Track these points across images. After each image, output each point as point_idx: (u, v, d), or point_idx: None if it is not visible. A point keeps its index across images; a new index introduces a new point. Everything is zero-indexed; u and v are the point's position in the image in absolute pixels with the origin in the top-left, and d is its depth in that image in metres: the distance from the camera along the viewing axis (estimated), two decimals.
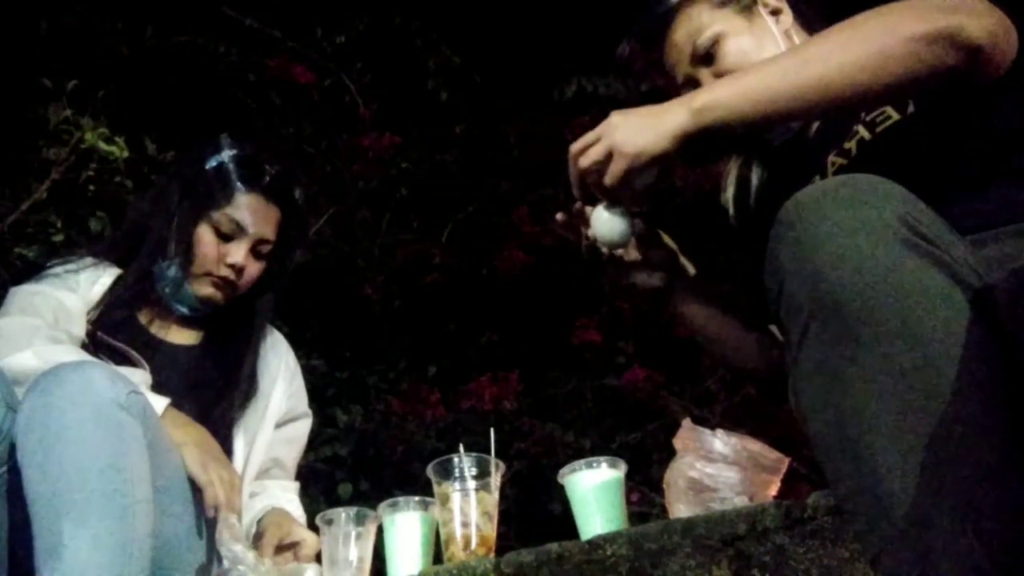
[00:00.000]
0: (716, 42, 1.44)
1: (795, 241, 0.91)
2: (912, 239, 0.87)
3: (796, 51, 1.23)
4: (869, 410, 0.84)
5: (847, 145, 1.34)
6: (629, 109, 1.25)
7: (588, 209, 1.36)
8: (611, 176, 1.24)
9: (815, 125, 1.47)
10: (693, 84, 1.46)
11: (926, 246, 0.87)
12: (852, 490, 0.86)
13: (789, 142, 1.47)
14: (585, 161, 1.26)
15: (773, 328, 1.52)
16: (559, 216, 1.45)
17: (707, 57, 1.44)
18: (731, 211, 1.55)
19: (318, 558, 1.58)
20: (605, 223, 1.33)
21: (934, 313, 0.85)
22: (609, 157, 1.24)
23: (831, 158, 1.37)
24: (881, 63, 1.11)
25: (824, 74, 1.13)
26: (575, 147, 1.28)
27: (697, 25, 1.46)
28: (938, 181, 1.10)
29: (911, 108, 1.28)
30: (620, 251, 1.43)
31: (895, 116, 1.29)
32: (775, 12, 1.47)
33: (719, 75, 1.43)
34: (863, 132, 1.32)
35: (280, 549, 1.64)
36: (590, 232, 1.37)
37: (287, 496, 1.86)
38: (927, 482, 0.81)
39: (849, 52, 1.13)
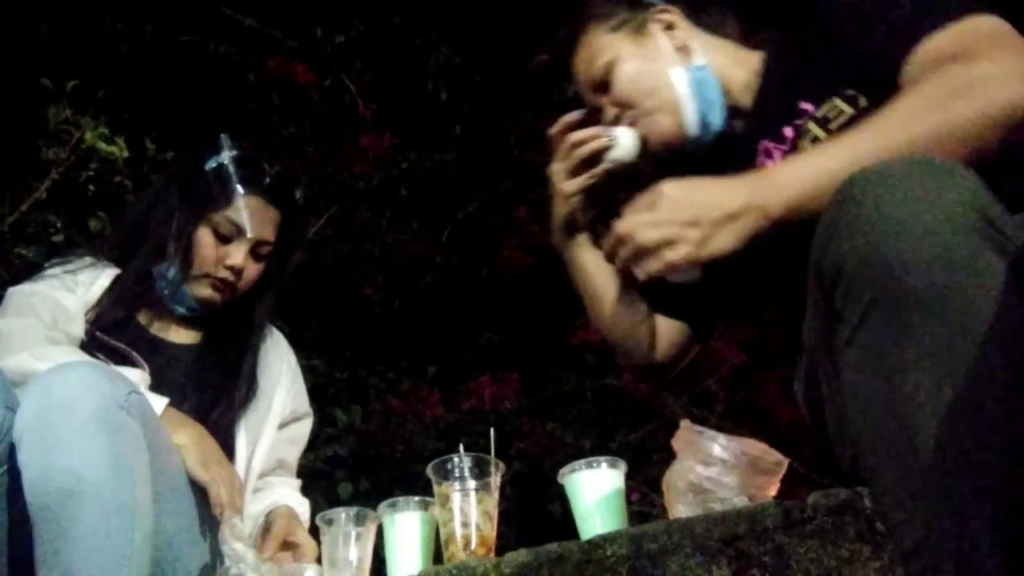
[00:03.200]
0: (609, 69, 1.43)
1: (861, 223, 0.88)
2: (984, 228, 0.85)
3: (874, 138, 1.10)
4: (925, 403, 0.82)
5: (802, 144, 1.32)
6: (687, 187, 1.18)
7: (622, 128, 1.42)
8: (674, 272, 1.20)
9: (741, 125, 1.45)
10: (598, 112, 1.46)
11: (997, 236, 0.86)
12: (896, 481, 0.84)
13: (712, 145, 1.45)
14: (645, 238, 1.17)
15: (663, 318, 1.57)
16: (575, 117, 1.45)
17: (604, 85, 1.44)
18: None
19: (318, 559, 1.58)
20: (633, 143, 1.41)
21: (1006, 309, 0.83)
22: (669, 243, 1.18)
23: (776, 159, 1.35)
24: (973, 149, 1.06)
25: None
26: (625, 230, 1.20)
27: (592, 53, 1.46)
28: None
29: (862, 102, 1.26)
30: (611, 168, 1.44)
31: (848, 110, 1.27)
32: (669, 27, 1.45)
33: (615, 103, 1.43)
34: (816, 131, 1.30)
35: (281, 546, 1.64)
36: (619, 139, 1.41)
37: (297, 498, 1.86)
38: (969, 475, 0.80)
39: (941, 151, 1.04)
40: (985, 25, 1.16)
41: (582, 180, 1.46)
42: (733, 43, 1.48)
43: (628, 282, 1.53)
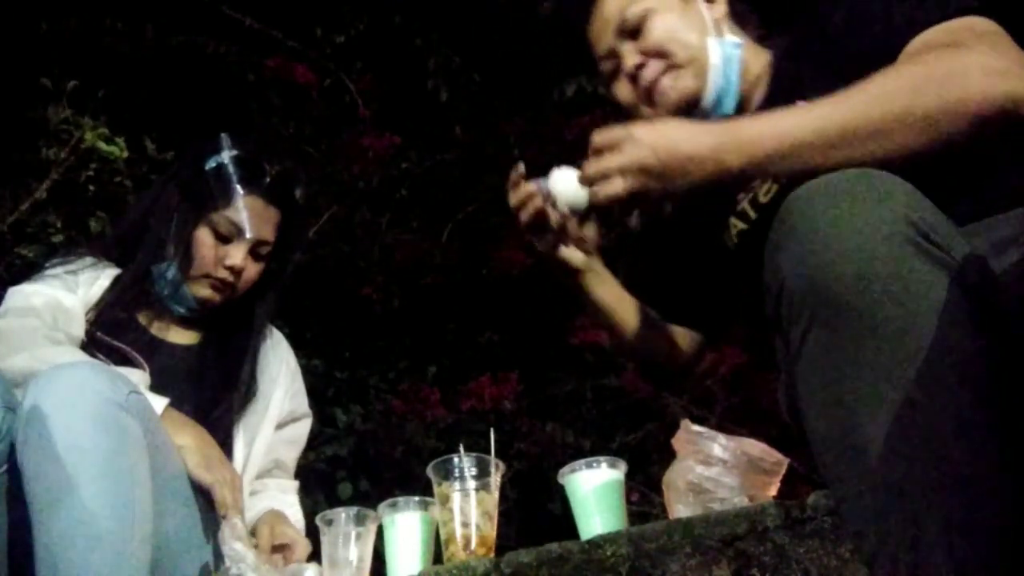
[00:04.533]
0: (645, 17, 1.43)
1: (798, 240, 0.90)
2: (917, 240, 0.86)
3: (845, 111, 1.12)
4: (869, 413, 0.84)
5: None
6: (656, 133, 1.19)
7: (557, 170, 1.35)
8: (637, 209, 1.22)
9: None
10: (613, 57, 1.45)
11: (931, 248, 0.86)
12: (851, 491, 0.86)
13: None
14: (610, 191, 1.19)
15: (679, 328, 1.59)
16: (519, 171, 1.39)
17: (634, 31, 1.43)
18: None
19: (318, 559, 1.58)
20: (573, 186, 1.33)
21: (936, 318, 0.84)
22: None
23: None
24: (940, 137, 1.08)
25: (886, 147, 1.08)
26: (594, 173, 1.21)
27: None
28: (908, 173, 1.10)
29: None
30: (569, 215, 1.38)
31: None
32: (711, 0, 1.47)
33: (644, 51, 1.42)
34: None
35: (273, 549, 1.64)
36: (556, 191, 1.35)
37: (289, 499, 1.85)
38: (923, 485, 0.81)
39: (907, 133, 1.08)
40: (980, 25, 1.17)
41: (551, 239, 1.42)
42: (751, 40, 1.50)
43: (642, 300, 1.56)
